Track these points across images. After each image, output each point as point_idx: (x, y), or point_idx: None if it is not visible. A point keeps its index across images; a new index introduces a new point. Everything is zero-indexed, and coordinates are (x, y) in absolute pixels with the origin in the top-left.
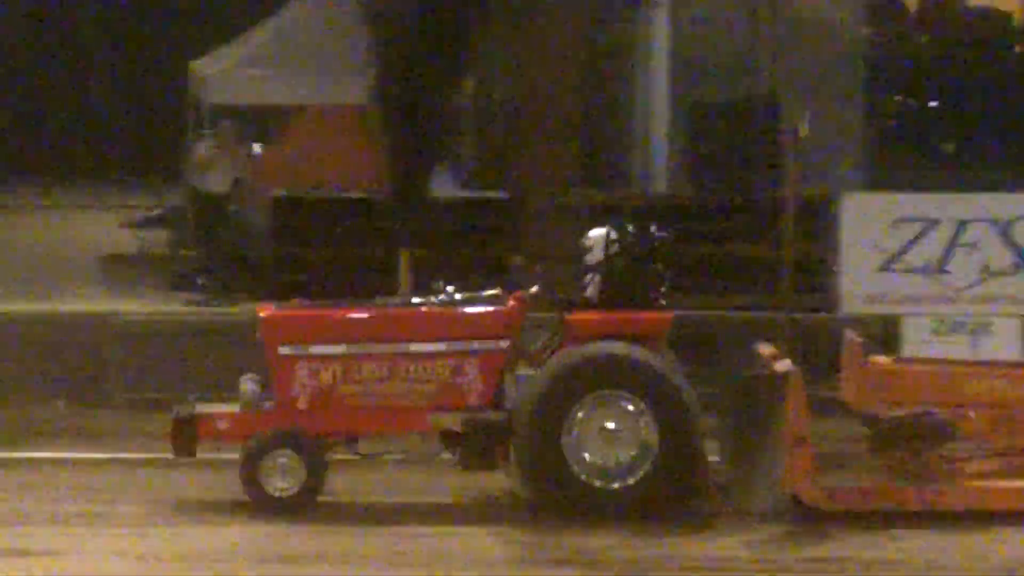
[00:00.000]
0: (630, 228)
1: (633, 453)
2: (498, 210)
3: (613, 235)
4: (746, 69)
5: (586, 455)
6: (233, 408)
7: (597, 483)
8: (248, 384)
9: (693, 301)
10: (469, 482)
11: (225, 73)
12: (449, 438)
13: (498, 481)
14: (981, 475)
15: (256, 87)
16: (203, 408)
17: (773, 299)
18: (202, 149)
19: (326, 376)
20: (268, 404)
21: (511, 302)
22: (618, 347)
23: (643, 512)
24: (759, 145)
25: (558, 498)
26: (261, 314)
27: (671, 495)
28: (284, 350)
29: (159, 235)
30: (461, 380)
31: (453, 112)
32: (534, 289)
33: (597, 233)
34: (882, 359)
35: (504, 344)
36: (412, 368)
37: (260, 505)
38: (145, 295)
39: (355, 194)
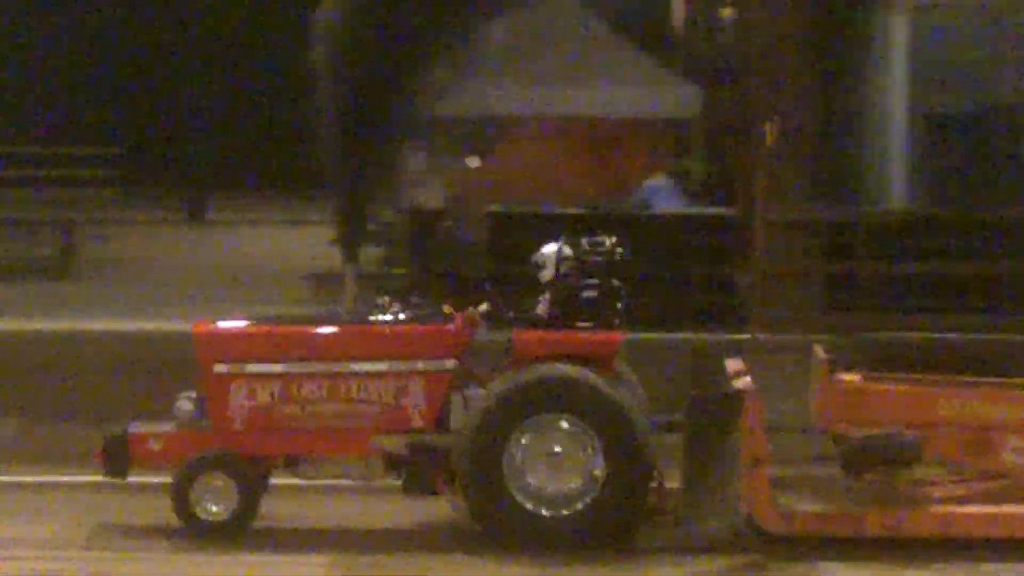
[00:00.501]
0: (584, 243)
1: (579, 479)
2: (726, 227)
3: (565, 251)
4: (988, 79)
5: (530, 481)
6: (167, 428)
7: (541, 511)
8: (183, 403)
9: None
10: (414, 508)
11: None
12: (393, 462)
13: (442, 508)
14: (949, 500)
15: (471, 99)
16: (136, 427)
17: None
18: (416, 163)
19: (263, 396)
20: (204, 424)
21: (458, 320)
22: (562, 369)
23: (589, 540)
24: (1001, 159)
25: (500, 526)
26: (194, 330)
27: (619, 523)
28: (219, 368)
29: (371, 252)
30: (405, 401)
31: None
32: (483, 307)
33: (549, 249)
34: (849, 376)
35: (449, 364)
36: (354, 388)
37: (191, 529)
38: None
39: (571, 210)
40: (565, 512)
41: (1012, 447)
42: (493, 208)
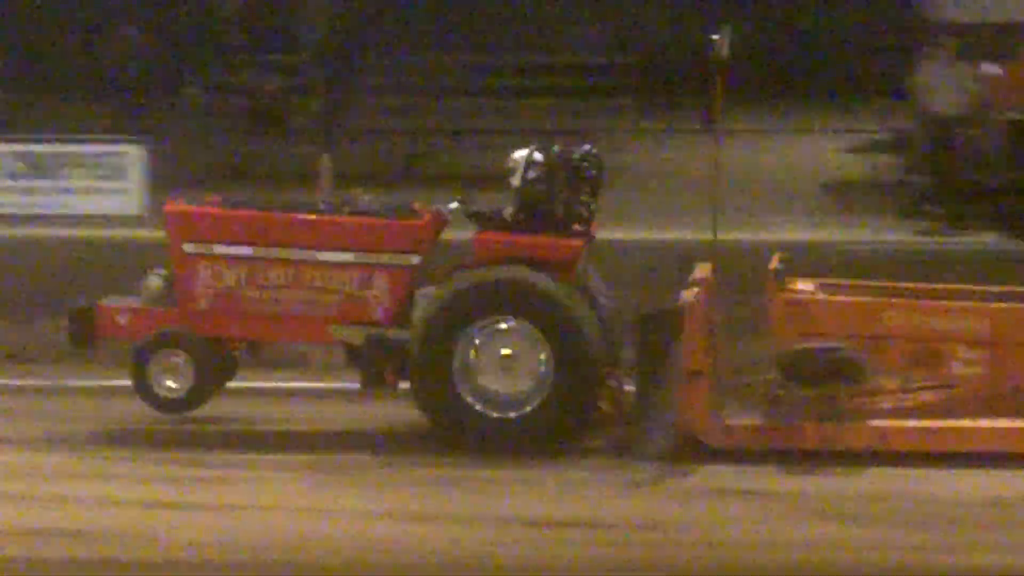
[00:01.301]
0: (555, 148)
1: (527, 382)
2: None
3: (535, 157)
4: None
5: (479, 382)
6: (134, 303)
7: (489, 411)
8: (152, 279)
9: None
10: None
11: None
12: (352, 354)
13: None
14: (889, 414)
15: (990, 3)
16: (106, 301)
17: None
18: (929, 70)
19: (229, 278)
20: (170, 302)
21: (425, 217)
22: (514, 271)
23: (535, 442)
24: None
25: (447, 425)
26: (166, 209)
27: (565, 426)
28: (188, 247)
29: (887, 160)
30: (367, 294)
31: None
32: (452, 206)
33: (520, 154)
34: (803, 287)
35: (414, 260)
36: (317, 277)
37: (146, 403)
38: (873, 224)
39: None
40: (512, 414)
41: (961, 359)
42: (1013, 116)
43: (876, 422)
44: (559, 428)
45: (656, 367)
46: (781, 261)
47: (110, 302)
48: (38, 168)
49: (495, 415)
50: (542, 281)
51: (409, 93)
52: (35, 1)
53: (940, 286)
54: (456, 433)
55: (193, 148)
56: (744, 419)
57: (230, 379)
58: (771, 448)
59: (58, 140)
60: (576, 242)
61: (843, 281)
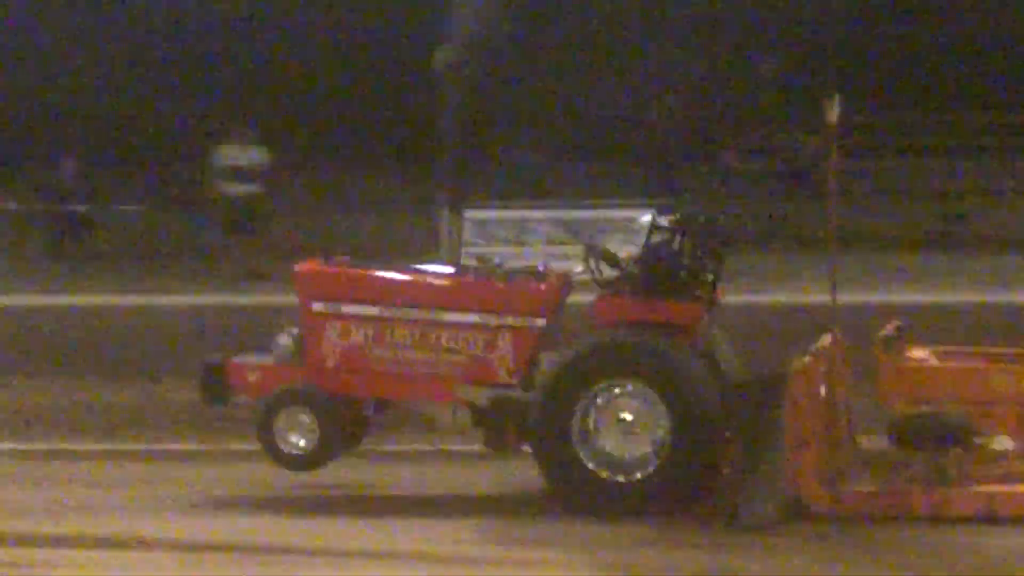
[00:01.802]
0: (679, 214)
1: (646, 445)
2: None
3: (660, 220)
4: None
5: (598, 445)
6: (265, 360)
7: (608, 475)
8: (283, 338)
9: None
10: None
11: None
12: (477, 415)
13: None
14: (998, 479)
15: None
16: (237, 358)
17: None
18: None
19: (356, 336)
20: (300, 360)
21: (550, 280)
22: (630, 334)
23: (653, 506)
24: None
25: (566, 488)
26: (296, 269)
27: (682, 490)
28: (317, 306)
29: None
30: (492, 355)
31: None
32: (578, 269)
33: (646, 218)
34: (918, 354)
35: (539, 322)
36: (444, 337)
37: (272, 459)
38: None
39: None
40: (630, 477)
41: None
42: None
43: (985, 488)
44: (675, 492)
45: (762, 433)
46: (897, 328)
47: (241, 359)
48: (572, 232)
49: (613, 478)
50: (657, 342)
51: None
52: (584, 72)
53: None
54: (573, 496)
55: (725, 209)
56: (855, 485)
57: (359, 440)
58: (880, 514)
59: (592, 205)
60: (694, 306)
61: (961, 348)
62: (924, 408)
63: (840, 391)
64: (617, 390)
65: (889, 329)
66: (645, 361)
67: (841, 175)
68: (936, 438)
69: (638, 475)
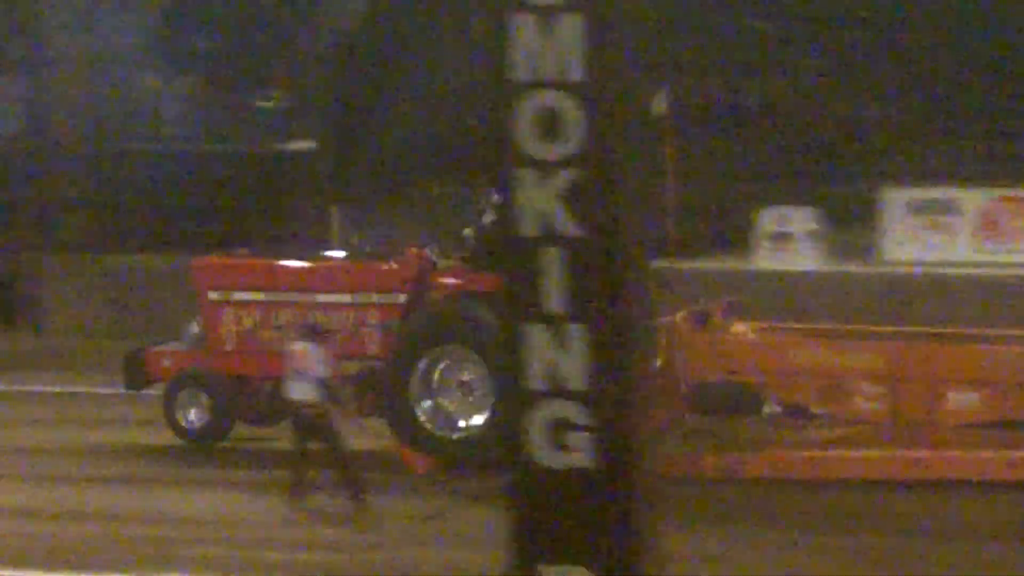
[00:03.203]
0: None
1: (475, 406)
2: None
3: (494, 198)
4: None
5: (434, 405)
6: (178, 347)
7: (441, 430)
8: (192, 326)
9: None
10: None
11: None
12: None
13: None
14: (783, 444)
15: None
16: (154, 347)
17: None
18: None
19: (247, 321)
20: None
21: (409, 259)
22: (458, 303)
23: (480, 459)
24: None
25: (410, 443)
26: (193, 261)
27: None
28: (212, 295)
29: None
30: (363, 330)
31: None
32: (431, 247)
33: (493, 198)
34: (739, 328)
35: (400, 298)
36: (321, 317)
37: (174, 433)
38: None
39: None
40: (461, 434)
41: (863, 393)
42: None
43: (778, 452)
44: (499, 446)
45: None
46: (728, 303)
47: (156, 347)
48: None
49: (448, 435)
50: (475, 311)
51: None
52: None
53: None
54: (416, 448)
55: None
56: (657, 449)
57: (256, 414)
58: (677, 476)
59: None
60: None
61: (786, 324)
62: (725, 378)
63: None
64: (447, 355)
65: (711, 303)
66: (463, 328)
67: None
68: (726, 406)
69: (467, 432)
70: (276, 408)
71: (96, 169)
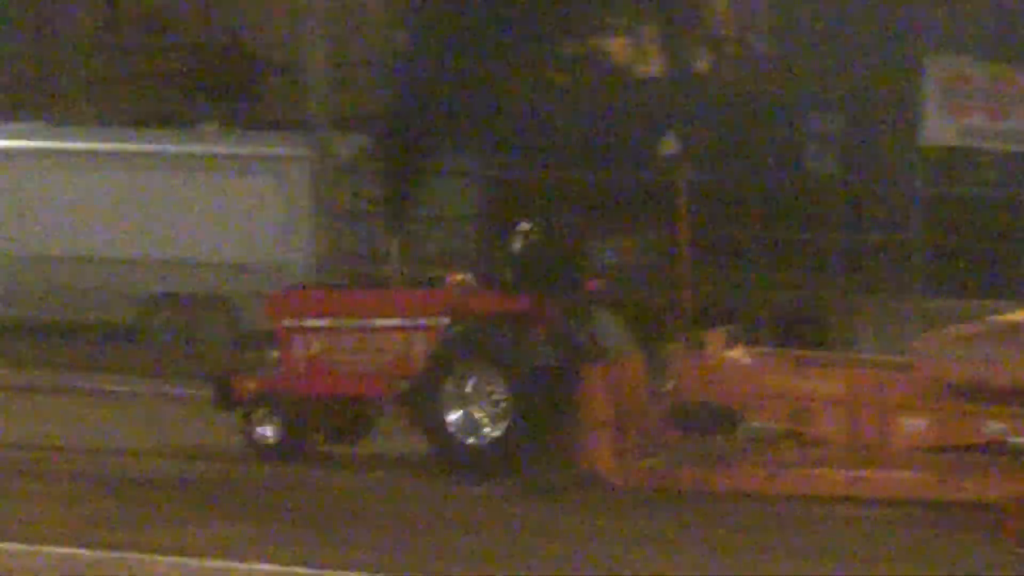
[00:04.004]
0: (538, 220)
1: (495, 416)
2: None
3: (523, 227)
4: None
5: (462, 415)
6: (260, 372)
7: (470, 439)
8: (271, 353)
9: None
10: None
11: None
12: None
13: None
14: (756, 463)
15: None
16: (241, 372)
17: None
18: None
19: (315, 345)
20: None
21: (448, 285)
22: (479, 324)
23: (498, 468)
24: None
25: (438, 451)
26: (270, 294)
27: (522, 455)
28: (286, 323)
29: None
30: (412, 352)
31: None
32: (469, 275)
33: (520, 227)
34: (734, 354)
35: (444, 321)
36: (377, 340)
37: (250, 448)
38: None
39: None
40: (483, 441)
41: (829, 416)
42: None
43: (749, 468)
44: (516, 454)
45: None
46: (727, 331)
47: (242, 372)
48: None
49: (474, 442)
50: (495, 331)
51: None
52: None
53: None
54: (444, 457)
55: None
56: (641, 463)
57: (352, 436)
58: (659, 487)
59: None
60: (535, 297)
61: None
62: (703, 399)
63: (644, 384)
64: (473, 370)
65: (715, 331)
66: (484, 346)
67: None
68: (703, 425)
69: (489, 439)
70: (357, 426)
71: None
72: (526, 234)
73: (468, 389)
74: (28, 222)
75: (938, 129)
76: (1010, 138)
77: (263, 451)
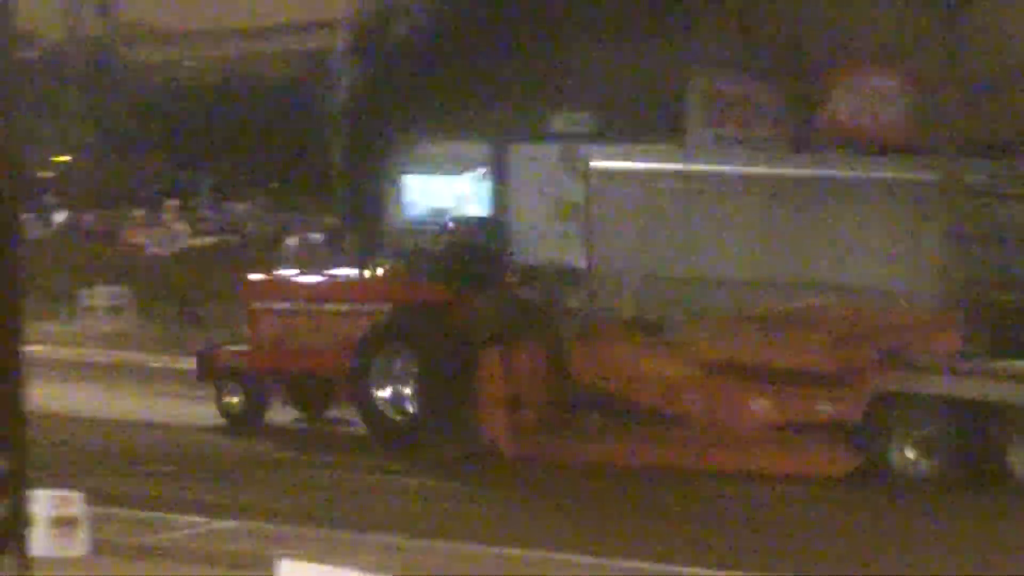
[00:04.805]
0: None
1: (415, 395)
2: None
3: (449, 226)
4: None
5: (387, 394)
6: (237, 348)
7: (393, 415)
8: (247, 330)
9: None
10: None
11: None
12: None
13: None
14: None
15: None
16: (220, 348)
17: None
18: None
19: (277, 326)
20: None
21: (386, 274)
22: (404, 311)
23: (414, 440)
24: None
25: (368, 426)
26: (246, 278)
27: (432, 430)
28: (255, 305)
29: None
30: (356, 335)
31: None
32: (399, 265)
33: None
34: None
35: (384, 306)
36: (325, 322)
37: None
38: None
39: None
40: (401, 418)
41: (688, 398)
42: None
43: (615, 443)
44: (427, 429)
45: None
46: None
47: (226, 348)
48: None
49: (393, 417)
50: (409, 318)
51: None
52: None
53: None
54: (374, 431)
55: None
56: (535, 438)
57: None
58: (550, 460)
59: None
60: (448, 287)
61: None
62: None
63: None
64: (399, 352)
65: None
66: (404, 331)
67: None
68: (580, 405)
69: (404, 416)
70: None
71: None
72: (452, 232)
73: (395, 370)
74: (651, 241)
75: (699, 137)
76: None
77: (230, 419)
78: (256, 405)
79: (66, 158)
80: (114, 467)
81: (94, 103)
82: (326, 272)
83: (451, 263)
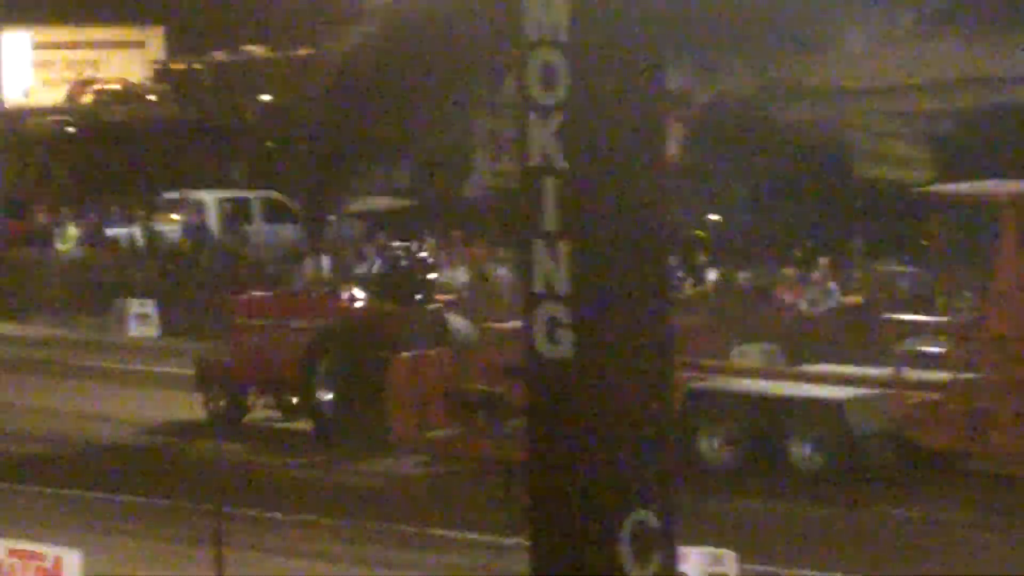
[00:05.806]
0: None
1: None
2: None
3: (390, 249)
4: None
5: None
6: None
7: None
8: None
9: None
10: None
11: None
12: None
13: None
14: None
15: None
16: (216, 356)
17: None
18: None
19: (251, 339)
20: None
21: (330, 293)
22: (342, 325)
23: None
24: None
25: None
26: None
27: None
28: (238, 320)
29: None
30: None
31: None
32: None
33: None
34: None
35: (323, 323)
36: (286, 336)
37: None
38: None
39: None
40: (331, 416)
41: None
42: None
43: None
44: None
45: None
46: None
47: (218, 357)
48: None
49: (326, 416)
50: (335, 328)
51: None
52: None
53: None
54: (317, 429)
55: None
56: (432, 433)
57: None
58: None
59: None
60: (379, 307)
61: None
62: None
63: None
64: (336, 361)
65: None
66: (339, 342)
67: None
68: (474, 405)
69: (336, 414)
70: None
71: None
72: (392, 255)
73: (335, 376)
74: None
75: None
76: None
77: (214, 421)
78: (236, 409)
79: (717, 217)
80: None
81: (744, 162)
82: (290, 291)
83: (387, 285)
